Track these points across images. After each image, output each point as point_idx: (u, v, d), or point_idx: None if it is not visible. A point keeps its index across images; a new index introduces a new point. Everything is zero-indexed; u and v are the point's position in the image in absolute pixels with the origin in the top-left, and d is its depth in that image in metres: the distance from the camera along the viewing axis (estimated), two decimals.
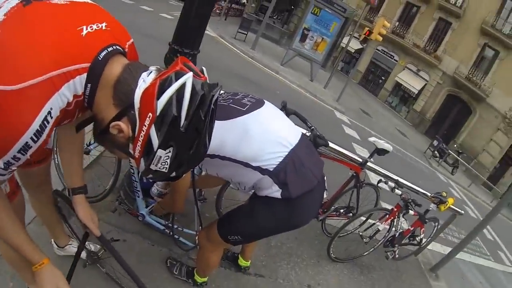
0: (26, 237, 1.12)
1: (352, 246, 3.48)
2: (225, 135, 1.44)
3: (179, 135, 0.90)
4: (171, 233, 2.40)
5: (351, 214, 3.57)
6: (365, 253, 3.50)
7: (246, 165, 1.50)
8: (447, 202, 3.42)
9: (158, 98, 0.87)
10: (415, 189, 3.58)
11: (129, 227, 2.19)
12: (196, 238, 2.45)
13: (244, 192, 1.82)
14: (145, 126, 0.89)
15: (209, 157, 1.47)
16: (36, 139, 0.88)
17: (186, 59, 0.97)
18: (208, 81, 0.97)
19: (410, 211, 3.24)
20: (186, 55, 2.14)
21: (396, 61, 25.46)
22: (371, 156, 3.32)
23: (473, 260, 6.71)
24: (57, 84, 0.87)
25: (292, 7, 25.97)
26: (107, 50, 0.95)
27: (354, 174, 3.32)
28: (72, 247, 1.98)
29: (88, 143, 2.45)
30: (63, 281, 1.20)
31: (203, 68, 1.02)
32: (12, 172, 1.00)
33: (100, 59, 0.93)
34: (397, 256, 3.82)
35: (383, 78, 26.78)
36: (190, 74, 0.90)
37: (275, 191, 1.54)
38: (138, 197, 2.34)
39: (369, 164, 3.30)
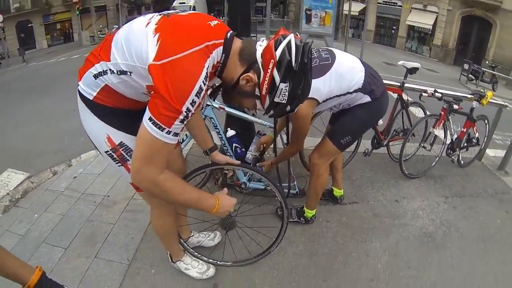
0: (199, 190, 1.55)
1: (419, 163, 3.96)
2: (329, 83, 2.19)
3: (293, 72, 1.33)
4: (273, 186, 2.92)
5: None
6: (433, 164, 3.95)
7: (347, 93, 2.27)
8: (486, 96, 3.79)
9: (275, 50, 1.31)
10: (453, 95, 3.90)
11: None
12: (294, 183, 3.04)
13: (337, 110, 2.53)
14: (269, 69, 1.32)
15: (323, 101, 2.25)
16: (204, 83, 1.24)
17: (284, 29, 1.45)
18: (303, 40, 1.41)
19: (454, 106, 3.63)
20: None
21: (401, 6, 25.21)
22: (405, 76, 3.75)
23: None
24: (211, 49, 1.29)
25: None
26: (230, 32, 1.39)
27: (398, 96, 3.75)
28: (194, 238, 2.42)
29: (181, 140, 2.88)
30: (234, 199, 1.70)
31: (297, 33, 1.53)
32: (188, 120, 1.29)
33: (228, 37, 1.37)
34: (462, 162, 4.25)
35: (394, 27, 26.54)
36: (292, 34, 1.37)
37: (366, 98, 2.31)
38: (237, 169, 2.75)
39: (406, 85, 3.71)
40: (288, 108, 1.44)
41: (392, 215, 3.14)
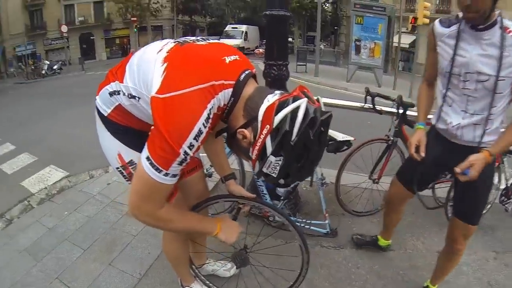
0: (198, 216, 1.58)
1: None
2: None
3: (289, 147, 1.13)
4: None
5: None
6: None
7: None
8: None
9: (276, 114, 1.12)
10: None
11: (261, 233, 2.29)
12: (327, 222, 2.78)
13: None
14: (263, 135, 1.15)
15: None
16: (205, 125, 1.13)
17: (304, 87, 1.25)
18: (321, 108, 1.20)
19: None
20: (280, 66, 2.65)
21: None
22: None
23: None
24: (216, 89, 1.17)
25: (336, 28, 26.60)
26: (245, 73, 1.26)
27: None
28: (209, 266, 2.32)
29: (210, 165, 2.85)
30: (237, 225, 1.66)
31: (319, 97, 1.30)
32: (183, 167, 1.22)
33: (241, 79, 1.23)
34: None
35: None
36: (305, 99, 1.15)
37: None
38: (266, 199, 2.65)
39: None
40: (282, 181, 1.26)
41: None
